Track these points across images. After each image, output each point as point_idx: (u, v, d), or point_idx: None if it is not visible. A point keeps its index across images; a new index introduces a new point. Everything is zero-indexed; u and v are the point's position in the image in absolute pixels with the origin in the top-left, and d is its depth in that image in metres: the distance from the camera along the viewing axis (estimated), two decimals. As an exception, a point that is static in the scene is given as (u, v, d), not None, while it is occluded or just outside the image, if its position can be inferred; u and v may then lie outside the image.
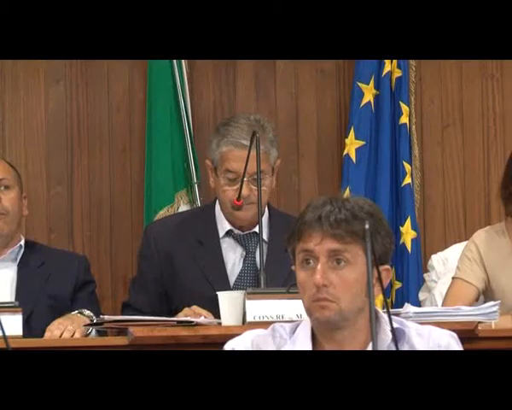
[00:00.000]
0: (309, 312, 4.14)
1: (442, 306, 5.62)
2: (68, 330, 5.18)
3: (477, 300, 5.54)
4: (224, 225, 5.67)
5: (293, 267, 4.23)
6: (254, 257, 5.57)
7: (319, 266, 4.07)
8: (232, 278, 5.61)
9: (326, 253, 4.08)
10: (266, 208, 5.72)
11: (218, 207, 5.72)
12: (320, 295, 4.07)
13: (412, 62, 6.77)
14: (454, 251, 5.85)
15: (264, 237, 5.59)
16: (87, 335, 5.25)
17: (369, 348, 4.01)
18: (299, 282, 4.14)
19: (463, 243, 5.81)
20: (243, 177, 5.45)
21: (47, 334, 5.19)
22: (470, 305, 5.38)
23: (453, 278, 5.64)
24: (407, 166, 6.64)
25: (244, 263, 5.62)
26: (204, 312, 5.19)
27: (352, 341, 4.17)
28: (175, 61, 6.74)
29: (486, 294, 5.58)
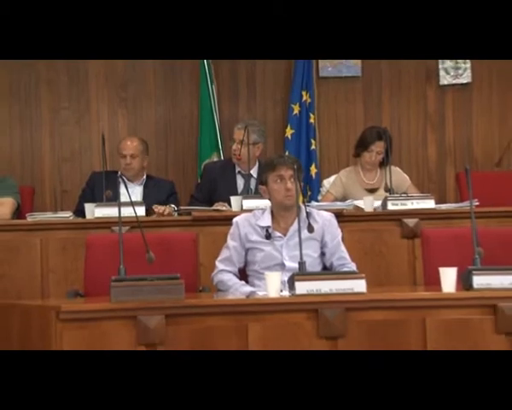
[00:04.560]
0: (282, 202, 4.09)
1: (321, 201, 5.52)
2: (165, 210, 4.99)
3: (334, 200, 5.33)
4: (236, 169, 5.47)
5: (261, 187, 4.20)
6: (249, 184, 5.33)
7: (288, 182, 4.03)
8: (238, 191, 5.33)
9: (288, 176, 4.04)
10: (257, 162, 5.45)
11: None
12: (288, 193, 4.03)
13: (315, 95, 6.43)
14: (332, 178, 5.64)
15: (255, 175, 5.40)
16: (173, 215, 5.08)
17: (296, 220, 3.89)
18: (273, 190, 4.09)
19: (335, 175, 5.63)
20: (242, 142, 5.26)
21: (155, 210, 5.01)
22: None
23: (327, 190, 5.58)
24: (313, 142, 6.41)
25: (244, 186, 5.36)
26: (225, 204, 5.05)
27: (290, 216, 4.10)
28: (208, 78, 6.21)
29: (346, 197, 5.33)
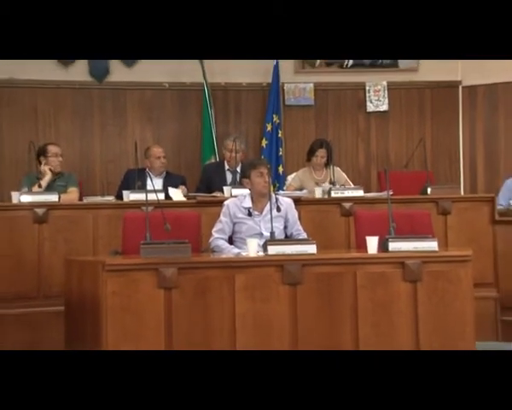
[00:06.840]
0: (261, 191, 3.99)
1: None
2: (179, 192, 4.89)
3: (294, 190, 5.15)
4: (226, 166, 5.40)
5: (244, 179, 4.12)
6: (236, 177, 5.21)
7: (266, 177, 3.98)
8: (227, 183, 5.20)
9: (265, 173, 4.00)
10: (240, 163, 5.27)
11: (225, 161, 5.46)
12: (265, 184, 4.00)
13: (283, 117, 6.28)
14: (293, 175, 5.55)
15: (240, 171, 5.26)
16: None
17: (269, 203, 3.86)
18: (255, 182, 3.99)
19: (295, 173, 5.52)
20: (232, 152, 5.21)
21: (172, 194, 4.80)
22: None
23: (290, 183, 5.40)
24: (281, 150, 6.26)
25: (232, 179, 5.26)
26: (219, 193, 4.88)
27: (264, 200, 4.05)
28: (209, 105, 5.94)
29: (302, 188, 5.19)
